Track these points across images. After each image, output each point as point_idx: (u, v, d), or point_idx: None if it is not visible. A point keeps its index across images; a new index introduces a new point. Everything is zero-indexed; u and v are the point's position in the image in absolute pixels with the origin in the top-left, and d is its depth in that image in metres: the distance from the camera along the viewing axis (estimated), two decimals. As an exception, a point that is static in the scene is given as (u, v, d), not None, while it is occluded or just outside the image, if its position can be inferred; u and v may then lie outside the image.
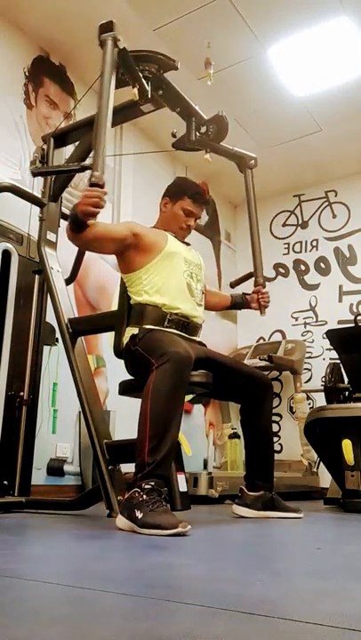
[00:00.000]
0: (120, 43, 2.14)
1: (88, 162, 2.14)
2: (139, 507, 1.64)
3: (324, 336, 3.86)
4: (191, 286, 2.26)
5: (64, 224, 2.89)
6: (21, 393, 2.67)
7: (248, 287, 2.66)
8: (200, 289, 2.33)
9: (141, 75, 2.31)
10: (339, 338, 3.24)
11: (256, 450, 2.28)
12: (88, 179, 1.95)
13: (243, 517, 2.24)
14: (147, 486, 1.67)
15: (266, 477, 2.27)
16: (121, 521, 1.70)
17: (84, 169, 2.25)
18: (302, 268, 5.19)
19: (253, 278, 2.61)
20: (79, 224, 1.96)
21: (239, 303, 2.61)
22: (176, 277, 2.22)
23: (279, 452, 4.72)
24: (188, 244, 2.40)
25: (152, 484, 1.68)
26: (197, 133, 2.63)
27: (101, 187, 1.94)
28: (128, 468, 2.41)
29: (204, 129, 2.64)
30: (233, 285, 2.81)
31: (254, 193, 2.71)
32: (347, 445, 2.71)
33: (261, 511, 2.23)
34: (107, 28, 2.13)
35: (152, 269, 2.21)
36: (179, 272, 2.24)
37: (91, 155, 2.08)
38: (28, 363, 2.74)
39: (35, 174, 2.41)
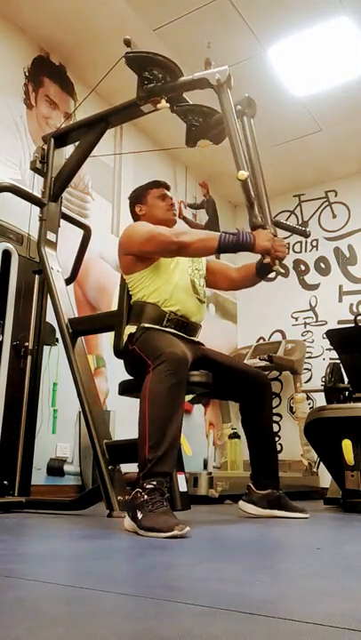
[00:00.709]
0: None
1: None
2: (140, 507, 1.64)
3: (324, 336, 3.86)
4: (195, 283, 2.27)
5: (64, 224, 2.90)
6: (26, 343, 2.70)
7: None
8: (203, 284, 2.34)
9: (152, 77, 2.32)
10: (339, 338, 3.24)
11: (258, 449, 2.29)
12: (258, 223, 2.08)
13: (249, 514, 2.24)
14: (148, 486, 1.67)
15: (270, 476, 2.27)
16: (126, 522, 1.70)
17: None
18: (302, 268, 5.19)
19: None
20: (236, 250, 2.07)
21: (261, 265, 2.32)
22: (179, 275, 2.23)
23: (279, 451, 4.71)
24: None
25: (154, 483, 1.68)
26: (195, 124, 2.59)
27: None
28: (128, 467, 2.42)
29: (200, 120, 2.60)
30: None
31: (255, 139, 2.44)
32: (347, 445, 2.71)
33: (267, 510, 2.23)
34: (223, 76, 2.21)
35: (156, 268, 2.21)
36: (183, 269, 2.25)
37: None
38: (28, 363, 2.73)
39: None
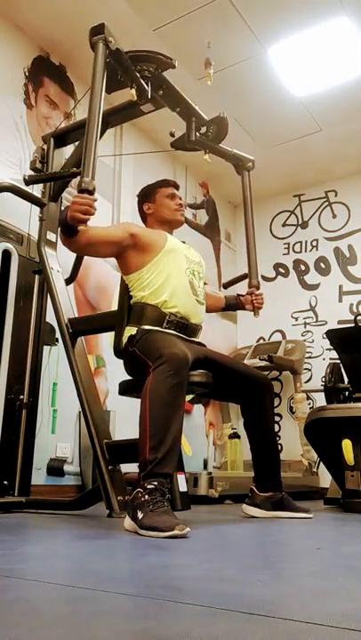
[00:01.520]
0: (113, 44, 2.13)
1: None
2: (140, 507, 1.64)
3: (324, 336, 3.86)
4: (193, 284, 2.27)
5: (64, 224, 2.90)
6: (21, 396, 2.66)
7: (243, 288, 2.66)
8: (202, 286, 2.34)
9: (140, 75, 2.31)
10: (339, 338, 3.24)
11: (261, 451, 2.29)
12: (77, 184, 1.93)
13: (253, 517, 2.24)
14: (149, 486, 1.67)
15: (273, 478, 2.27)
16: (127, 521, 1.70)
17: (74, 175, 2.23)
18: (302, 268, 5.19)
19: (248, 279, 2.63)
20: (69, 229, 1.97)
21: (233, 304, 2.63)
22: (178, 275, 2.22)
23: (280, 451, 4.72)
24: (184, 242, 2.40)
25: (155, 483, 1.67)
26: (197, 134, 2.64)
27: (91, 193, 1.90)
28: (128, 467, 2.42)
29: (203, 129, 2.65)
30: (226, 286, 2.84)
31: (251, 195, 2.74)
32: (347, 445, 2.71)
33: (271, 511, 2.23)
34: (98, 30, 2.13)
35: (153, 268, 2.21)
36: (180, 270, 2.24)
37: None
38: (28, 363, 2.73)
39: (28, 182, 2.41)
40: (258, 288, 2.59)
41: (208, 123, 2.65)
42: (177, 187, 2.45)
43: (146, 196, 2.44)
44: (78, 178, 1.97)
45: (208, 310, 2.55)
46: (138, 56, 2.32)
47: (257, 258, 2.67)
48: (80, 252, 2.36)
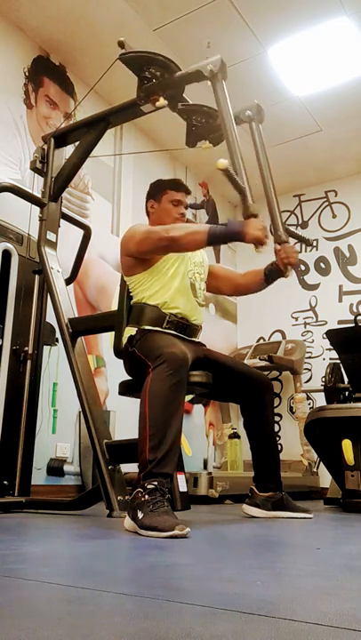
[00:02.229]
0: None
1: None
2: (140, 507, 1.64)
3: (324, 336, 3.86)
4: (195, 287, 2.26)
5: (64, 224, 2.90)
6: (26, 348, 2.68)
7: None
8: (203, 288, 2.34)
9: (150, 77, 2.32)
10: (339, 338, 3.24)
11: (261, 452, 2.29)
12: (246, 211, 2.03)
13: (253, 517, 2.24)
14: (149, 486, 1.67)
15: (273, 478, 2.27)
16: (127, 521, 1.70)
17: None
18: (302, 268, 5.19)
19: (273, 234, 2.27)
20: (227, 240, 2.10)
21: (272, 270, 2.28)
22: (180, 278, 2.22)
23: (279, 452, 4.72)
24: None
25: (155, 483, 1.67)
26: (196, 124, 2.59)
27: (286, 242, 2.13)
28: (128, 467, 2.42)
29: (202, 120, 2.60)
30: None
31: (265, 147, 2.45)
32: (347, 445, 2.71)
33: (271, 511, 2.23)
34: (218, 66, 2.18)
35: (156, 271, 2.21)
36: (182, 273, 2.24)
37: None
38: (28, 363, 2.73)
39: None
40: (286, 242, 2.22)
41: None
42: (187, 192, 2.38)
43: (153, 193, 2.38)
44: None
45: (249, 288, 2.40)
46: (151, 58, 2.31)
47: (279, 211, 2.34)
48: (168, 250, 2.20)
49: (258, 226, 1.95)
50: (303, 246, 5.20)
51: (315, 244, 2.21)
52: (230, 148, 2.11)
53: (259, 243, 1.94)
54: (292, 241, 2.31)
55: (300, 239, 2.51)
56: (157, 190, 2.37)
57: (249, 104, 2.43)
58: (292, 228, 5.10)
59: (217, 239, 2.04)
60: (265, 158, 2.39)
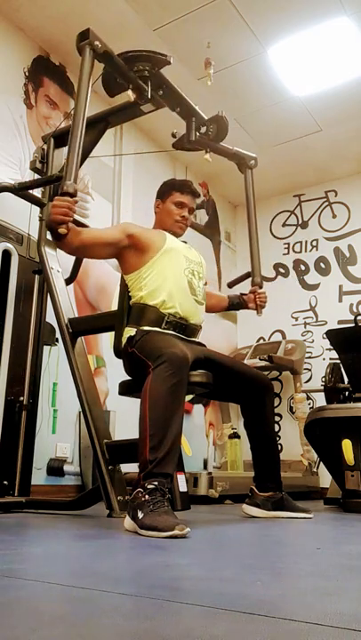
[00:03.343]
0: (100, 47, 2.16)
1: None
2: (140, 507, 1.63)
3: (324, 336, 3.87)
4: (193, 284, 2.26)
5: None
6: (21, 398, 2.66)
7: (246, 287, 2.66)
8: (202, 286, 2.33)
9: (139, 75, 2.32)
10: (339, 338, 3.24)
11: (261, 452, 2.29)
12: (59, 187, 1.96)
13: (253, 517, 2.24)
14: (150, 486, 1.67)
15: (273, 478, 2.27)
16: (127, 521, 1.70)
17: (58, 179, 2.25)
18: (302, 268, 5.19)
19: (251, 278, 2.63)
20: (54, 232, 1.99)
21: (237, 304, 2.63)
22: (177, 275, 2.22)
23: (279, 451, 4.72)
24: (185, 242, 2.40)
25: (155, 483, 1.67)
26: (197, 133, 2.64)
27: (72, 195, 1.95)
28: (128, 467, 2.42)
29: (204, 129, 2.65)
30: (230, 285, 2.84)
31: (254, 193, 2.74)
32: (347, 445, 2.71)
33: (271, 511, 2.23)
34: (83, 36, 2.15)
35: (152, 268, 2.21)
36: (179, 270, 2.23)
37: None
38: (27, 363, 2.73)
39: (17, 189, 2.43)
40: (261, 287, 2.59)
41: (208, 122, 2.66)
42: (194, 195, 2.39)
43: (161, 192, 2.41)
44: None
45: (212, 310, 2.57)
46: (134, 56, 2.32)
47: (260, 256, 2.67)
48: (75, 253, 2.39)
49: (56, 205, 1.92)
50: (304, 245, 5.21)
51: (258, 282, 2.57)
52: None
53: (56, 223, 1.93)
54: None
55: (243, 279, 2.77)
56: (164, 190, 2.39)
57: (249, 154, 2.80)
58: (290, 230, 5.17)
59: (50, 233, 2.05)
60: (253, 205, 2.72)
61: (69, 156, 1.98)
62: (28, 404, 2.67)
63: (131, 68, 2.31)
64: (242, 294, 2.63)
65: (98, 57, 2.18)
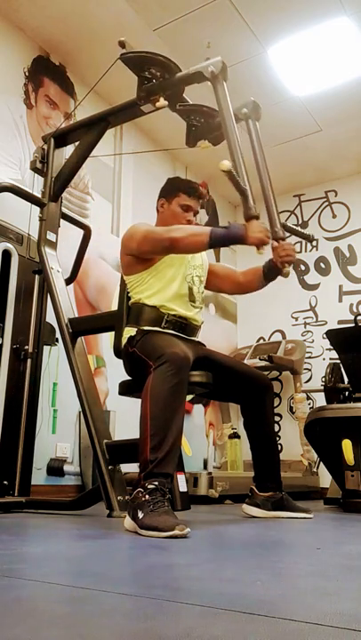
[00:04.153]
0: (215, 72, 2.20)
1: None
2: (140, 507, 1.63)
3: (324, 336, 3.86)
4: (193, 290, 2.26)
5: (64, 224, 2.90)
6: (26, 347, 2.67)
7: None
8: (202, 291, 2.33)
9: (151, 77, 2.32)
10: (339, 338, 3.24)
11: (261, 452, 2.29)
12: (273, 232, 2.12)
13: (253, 517, 2.24)
14: (150, 486, 1.67)
15: (273, 478, 2.27)
16: (127, 521, 1.70)
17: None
18: (302, 268, 5.19)
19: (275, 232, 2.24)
20: (228, 243, 2.10)
21: (270, 269, 2.26)
22: (179, 282, 2.22)
23: (279, 451, 4.72)
24: None
25: (155, 483, 1.67)
26: (196, 124, 2.59)
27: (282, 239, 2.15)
28: (128, 467, 2.42)
29: (202, 120, 2.60)
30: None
31: (261, 143, 2.43)
32: (347, 445, 2.71)
33: (271, 511, 2.23)
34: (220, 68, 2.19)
35: (155, 272, 2.21)
36: (182, 277, 2.23)
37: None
38: (27, 363, 2.73)
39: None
40: (283, 239, 2.20)
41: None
42: (201, 197, 2.36)
43: (166, 191, 2.36)
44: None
45: (251, 288, 2.38)
46: (151, 59, 2.31)
47: (277, 210, 2.34)
48: (170, 251, 2.19)
49: (259, 228, 1.96)
50: (304, 245, 5.20)
51: (316, 239, 2.18)
52: (232, 149, 2.11)
53: (261, 245, 1.96)
54: (294, 239, 2.33)
55: (301, 235, 2.48)
56: (170, 190, 2.35)
57: (245, 101, 2.43)
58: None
59: (218, 242, 2.04)
60: (262, 155, 2.38)
61: (241, 177, 2.02)
62: (33, 352, 2.69)
63: (144, 70, 2.31)
64: (270, 260, 2.27)
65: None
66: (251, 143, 2.40)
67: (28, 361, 2.73)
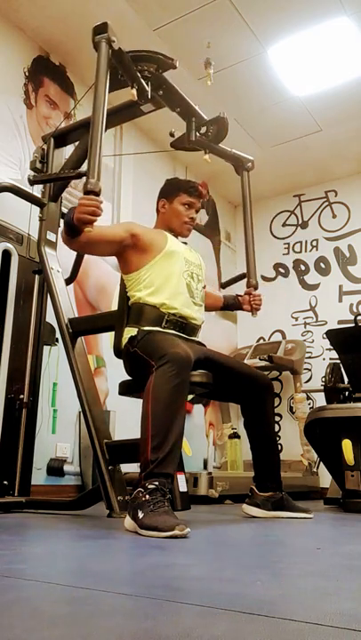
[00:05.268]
0: (115, 43, 2.12)
1: (84, 168, 2.07)
2: (141, 507, 1.63)
3: (324, 336, 3.86)
4: (191, 286, 2.26)
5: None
6: (21, 396, 2.66)
7: (242, 288, 2.66)
8: (200, 289, 2.33)
9: (140, 75, 2.31)
10: (339, 338, 3.24)
11: (261, 452, 2.29)
12: (83, 185, 1.90)
13: (253, 517, 2.24)
14: (150, 486, 1.67)
15: (273, 478, 2.27)
16: (127, 521, 1.70)
17: (80, 176, 2.22)
18: (302, 268, 5.19)
19: (246, 279, 2.62)
20: (74, 230, 1.94)
21: (232, 304, 2.63)
22: (176, 277, 2.22)
23: (279, 451, 4.72)
24: (185, 244, 2.40)
25: (156, 483, 1.67)
26: (197, 134, 2.63)
27: (97, 194, 1.88)
28: (128, 467, 2.42)
29: (203, 129, 2.65)
30: (224, 286, 2.85)
31: (250, 195, 2.74)
32: (347, 445, 2.71)
33: (271, 511, 2.23)
34: (101, 29, 2.11)
35: (152, 269, 2.21)
36: (178, 272, 2.23)
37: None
38: (27, 363, 2.73)
39: (32, 182, 2.43)
40: (256, 288, 2.58)
41: (208, 123, 2.65)
42: (201, 197, 2.39)
43: (166, 192, 2.39)
44: (83, 179, 1.95)
45: (207, 309, 2.53)
46: (139, 56, 2.32)
47: (256, 258, 2.66)
48: (80, 250, 2.38)
49: (83, 204, 1.86)
50: (304, 245, 5.21)
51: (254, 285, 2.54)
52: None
53: (83, 223, 1.87)
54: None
55: (239, 279, 2.76)
56: (171, 190, 2.37)
57: (247, 157, 2.78)
58: (290, 230, 5.08)
59: (67, 229, 2.00)
60: (249, 206, 2.70)
61: (91, 152, 1.94)
62: (28, 402, 2.67)
63: (135, 66, 2.30)
64: (238, 295, 2.62)
65: (111, 53, 2.13)
66: (242, 193, 2.75)
67: (28, 363, 2.73)
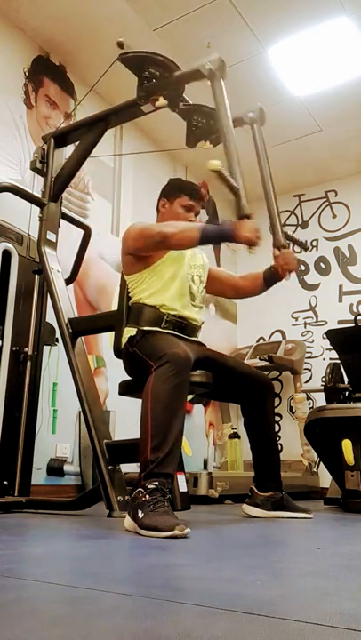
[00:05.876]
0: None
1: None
2: (141, 507, 1.63)
3: (324, 336, 3.86)
4: (193, 290, 2.26)
5: (64, 224, 2.90)
6: (25, 349, 2.68)
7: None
8: (201, 290, 2.33)
9: (149, 77, 2.31)
10: (339, 338, 3.24)
11: (261, 452, 2.29)
12: (239, 209, 1.99)
13: (253, 517, 2.24)
14: (150, 486, 1.67)
15: (273, 478, 2.27)
16: (127, 521, 1.70)
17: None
18: (302, 268, 5.19)
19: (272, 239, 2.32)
20: (219, 241, 2.23)
21: (271, 275, 2.32)
22: (178, 281, 2.22)
23: (279, 451, 4.72)
24: None
25: (156, 483, 1.67)
26: (197, 125, 2.58)
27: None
28: (128, 467, 2.42)
29: (203, 120, 2.59)
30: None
31: (266, 149, 2.49)
32: (347, 445, 2.71)
33: (271, 511, 2.23)
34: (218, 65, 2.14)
35: (155, 271, 2.20)
36: (182, 276, 2.23)
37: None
38: (27, 363, 2.73)
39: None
40: (285, 246, 2.26)
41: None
42: (202, 199, 2.37)
43: (168, 191, 2.37)
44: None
45: (250, 292, 2.43)
46: (151, 59, 2.30)
47: (279, 217, 2.36)
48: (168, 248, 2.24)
49: (250, 227, 1.94)
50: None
51: (310, 247, 2.19)
52: (227, 147, 2.10)
53: (250, 244, 1.94)
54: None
55: (297, 243, 2.51)
56: (172, 191, 2.36)
57: (252, 107, 2.47)
58: (291, 229, 4.97)
59: (209, 238, 2.05)
60: (265, 161, 2.40)
61: (235, 176, 1.97)
62: (32, 355, 2.68)
63: (143, 70, 2.30)
64: (271, 266, 2.33)
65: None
66: (255, 148, 2.44)
67: (28, 361, 2.73)
